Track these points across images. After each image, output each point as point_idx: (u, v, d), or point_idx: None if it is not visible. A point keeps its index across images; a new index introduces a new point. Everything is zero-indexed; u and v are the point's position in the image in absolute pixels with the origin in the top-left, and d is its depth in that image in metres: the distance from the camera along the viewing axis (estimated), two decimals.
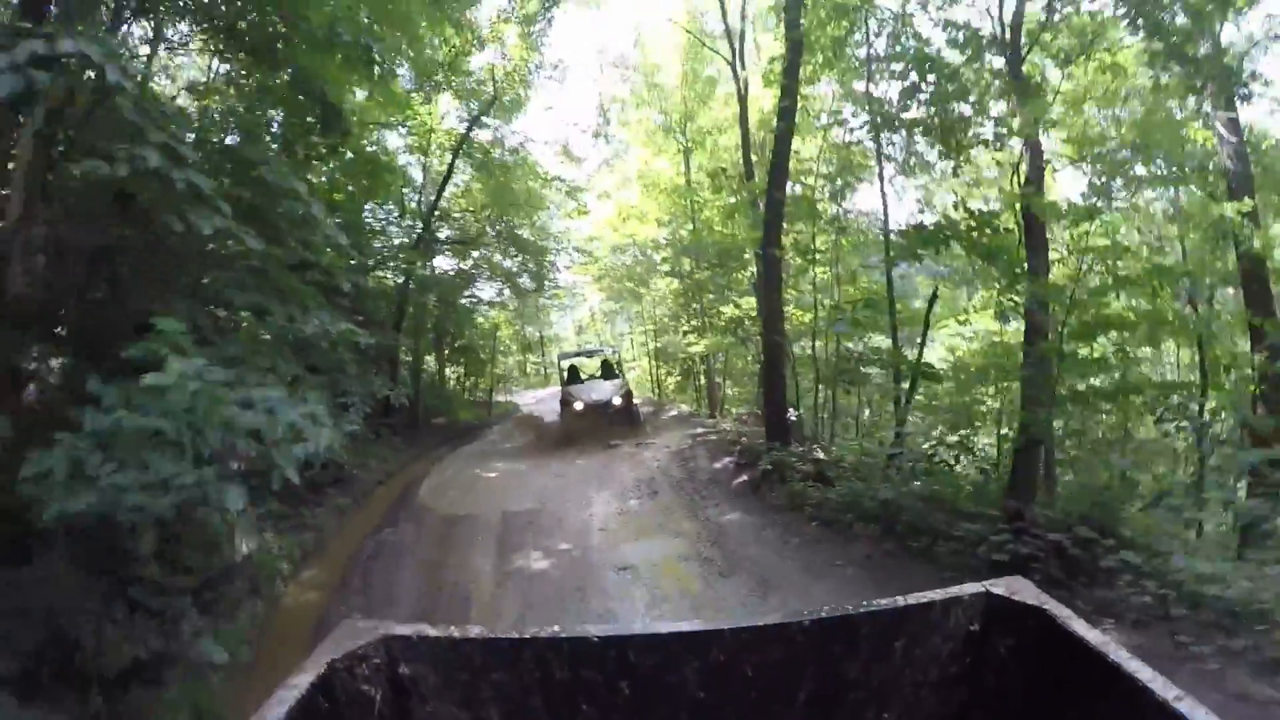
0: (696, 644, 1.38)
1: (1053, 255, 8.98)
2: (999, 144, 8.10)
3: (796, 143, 11.25)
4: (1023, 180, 7.69)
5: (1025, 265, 6.84)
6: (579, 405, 15.66)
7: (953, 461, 7.67)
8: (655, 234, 21.61)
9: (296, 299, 5.61)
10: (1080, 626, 1.28)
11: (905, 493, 6.56)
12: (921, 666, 1.43)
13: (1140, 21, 7.70)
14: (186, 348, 4.08)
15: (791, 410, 10.70)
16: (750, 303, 14.13)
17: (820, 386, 11.65)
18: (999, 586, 1.43)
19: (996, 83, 7.88)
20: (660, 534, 7.49)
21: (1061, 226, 8.19)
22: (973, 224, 6.57)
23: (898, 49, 8.90)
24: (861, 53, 10.34)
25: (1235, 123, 10.09)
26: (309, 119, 6.98)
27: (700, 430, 13.89)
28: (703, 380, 20.61)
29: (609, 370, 18.44)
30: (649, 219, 21.45)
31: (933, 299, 8.66)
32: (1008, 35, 8.09)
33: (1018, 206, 7.44)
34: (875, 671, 1.41)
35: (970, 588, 1.45)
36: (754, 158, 13.74)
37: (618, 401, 15.76)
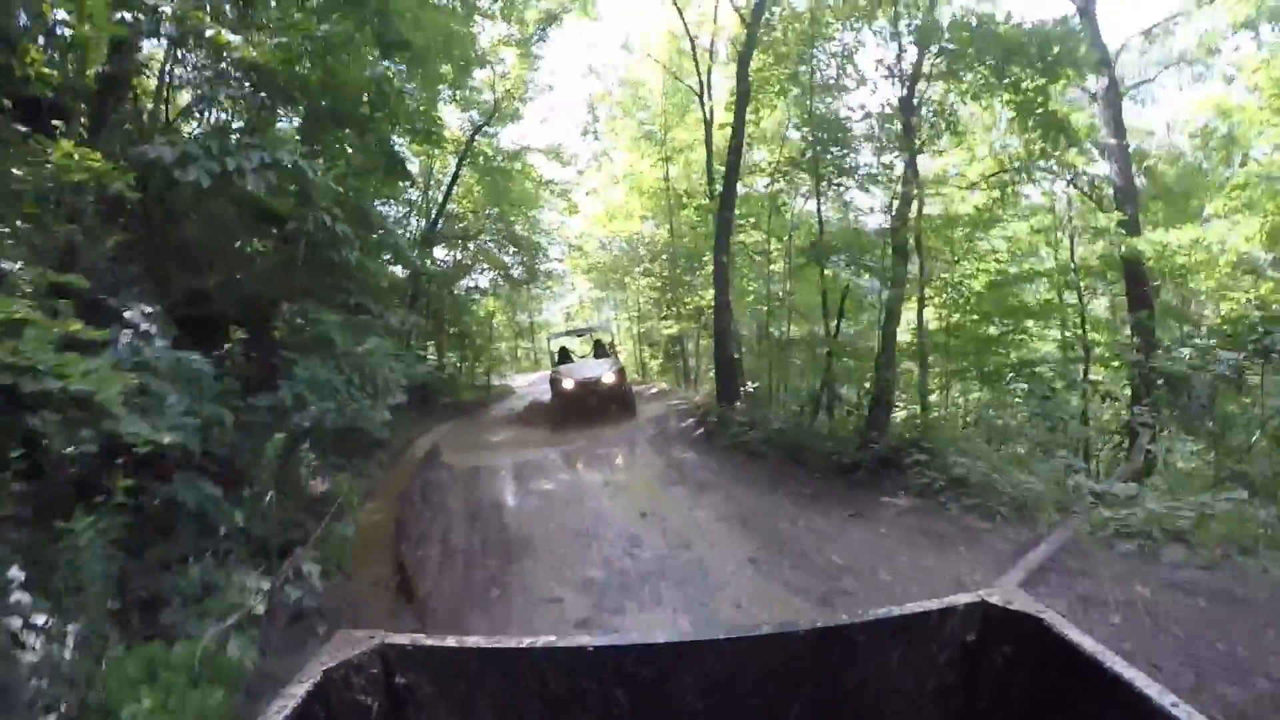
0: (693, 654, 1.43)
1: (947, 259, 11.98)
2: (885, 179, 11.04)
3: (757, 151, 14.11)
4: (897, 204, 10.69)
5: (893, 275, 9.89)
6: (569, 384, 15.25)
7: (844, 409, 10.76)
8: (639, 228, 24.06)
9: (383, 299, 8.51)
10: (1076, 634, 1.34)
11: (797, 428, 9.63)
12: (918, 676, 1.49)
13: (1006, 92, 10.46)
14: (340, 329, 6.97)
15: (750, 384, 13.64)
16: (711, 294, 16.61)
17: (770, 364, 14.55)
18: (995, 596, 1.50)
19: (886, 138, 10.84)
20: (634, 467, 10.29)
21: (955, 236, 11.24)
22: (851, 241, 9.58)
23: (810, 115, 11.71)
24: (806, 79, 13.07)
25: (1125, 148, 12.96)
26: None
27: (674, 401, 16.29)
28: (681, 361, 22.88)
29: (600, 349, 18.21)
30: (634, 216, 23.98)
31: (844, 293, 11.51)
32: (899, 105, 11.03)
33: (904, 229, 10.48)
34: (872, 681, 1.47)
35: (965, 597, 1.51)
36: (718, 170, 16.36)
37: (609, 379, 15.26)
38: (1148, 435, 8.70)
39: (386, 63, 9.28)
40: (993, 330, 12.48)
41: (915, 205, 10.80)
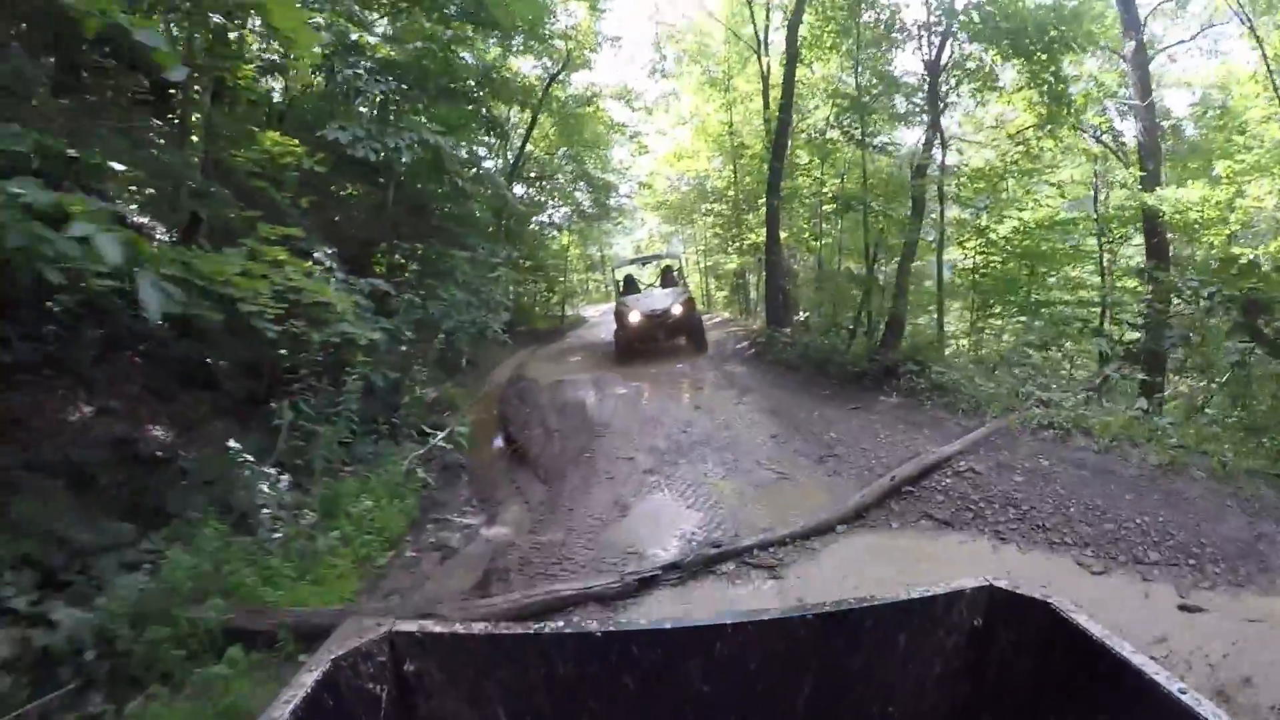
0: (700, 638, 1.48)
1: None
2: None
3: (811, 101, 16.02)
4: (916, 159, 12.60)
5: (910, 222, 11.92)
6: (635, 316, 14.60)
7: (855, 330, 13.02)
8: (705, 167, 25.75)
9: (491, 239, 11.00)
10: (1084, 620, 1.37)
11: (825, 346, 11.91)
12: (925, 660, 1.54)
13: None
14: (464, 264, 9.50)
15: (802, 312, 15.84)
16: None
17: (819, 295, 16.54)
18: (1002, 581, 1.55)
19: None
20: (692, 377, 12.65)
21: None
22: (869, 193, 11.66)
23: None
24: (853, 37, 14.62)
25: (1150, 107, 14.30)
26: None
27: (733, 328, 18.57)
28: (743, 293, 24.81)
29: (669, 277, 17.35)
30: (699, 156, 25.73)
31: (878, 235, 13.48)
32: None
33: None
34: (878, 666, 1.52)
35: (973, 582, 1.55)
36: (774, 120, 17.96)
37: (677, 310, 14.54)
38: (1112, 362, 10.64)
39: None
40: (1023, 271, 14.24)
41: (939, 157, 12.66)
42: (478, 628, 1.49)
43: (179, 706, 3.75)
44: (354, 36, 9.26)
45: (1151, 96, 14.11)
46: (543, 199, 25.01)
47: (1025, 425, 8.04)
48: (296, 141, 8.08)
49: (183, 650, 4.08)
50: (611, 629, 1.50)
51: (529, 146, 22.51)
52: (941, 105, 12.32)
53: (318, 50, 7.95)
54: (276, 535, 5.56)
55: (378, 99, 9.59)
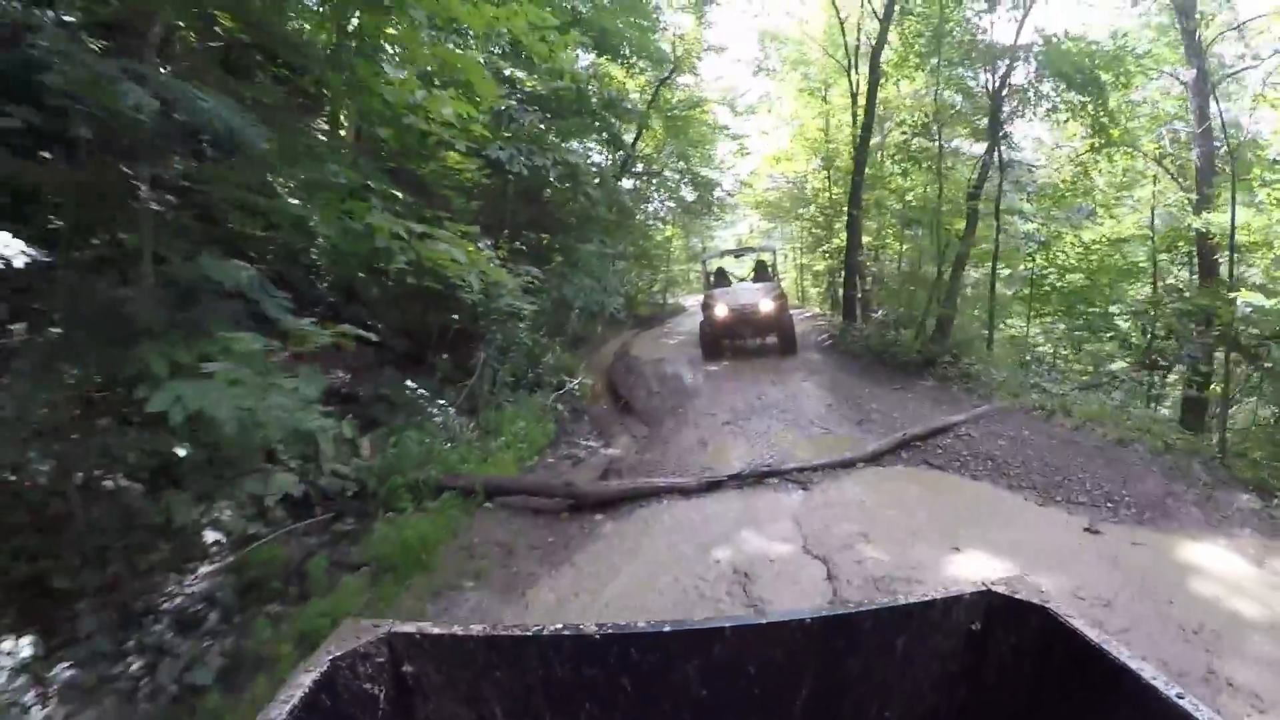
0: (698, 642, 1.51)
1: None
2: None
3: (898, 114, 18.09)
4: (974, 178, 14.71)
5: (963, 236, 14.10)
6: (721, 310, 14.29)
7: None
8: (804, 168, 27.78)
9: (610, 234, 13.82)
10: (1082, 624, 1.39)
11: (884, 339, 14.27)
12: (923, 665, 1.57)
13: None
14: (589, 255, 12.34)
15: (880, 310, 18.12)
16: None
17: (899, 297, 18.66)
18: (1000, 585, 1.58)
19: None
20: (771, 360, 14.97)
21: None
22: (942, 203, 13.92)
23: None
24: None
25: (1208, 133, 15.78)
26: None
27: (820, 321, 20.87)
28: (832, 290, 26.38)
29: (762, 272, 16.89)
30: (798, 159, 27.84)
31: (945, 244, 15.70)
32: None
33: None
34: (876, 670, 1.55)
35: (971, 587, 1.59)
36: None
37: (767, 307, 14.21)
38: (1113, 362, 12.67)
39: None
40: (1081, 282, 16.12)
41: (999, 177, 14.73)
42: (476, 630, 1.52)
43: (408, 521, 6.46)
44: (506, 72, 12.14)
45: (1209, 121, 15.42)
46: (649, 193, 27.33)
47: (1021, 406, 10.26)
48: (471, 160, 10.95)
49: (409, 496, 6.87)
50: (610, 631, 1.51)
51: (639, 144, 24.73)
52: (1001, 132, 14.32)
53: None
54: (456, 443, 8.41)
55: (527, 123, 12.46)
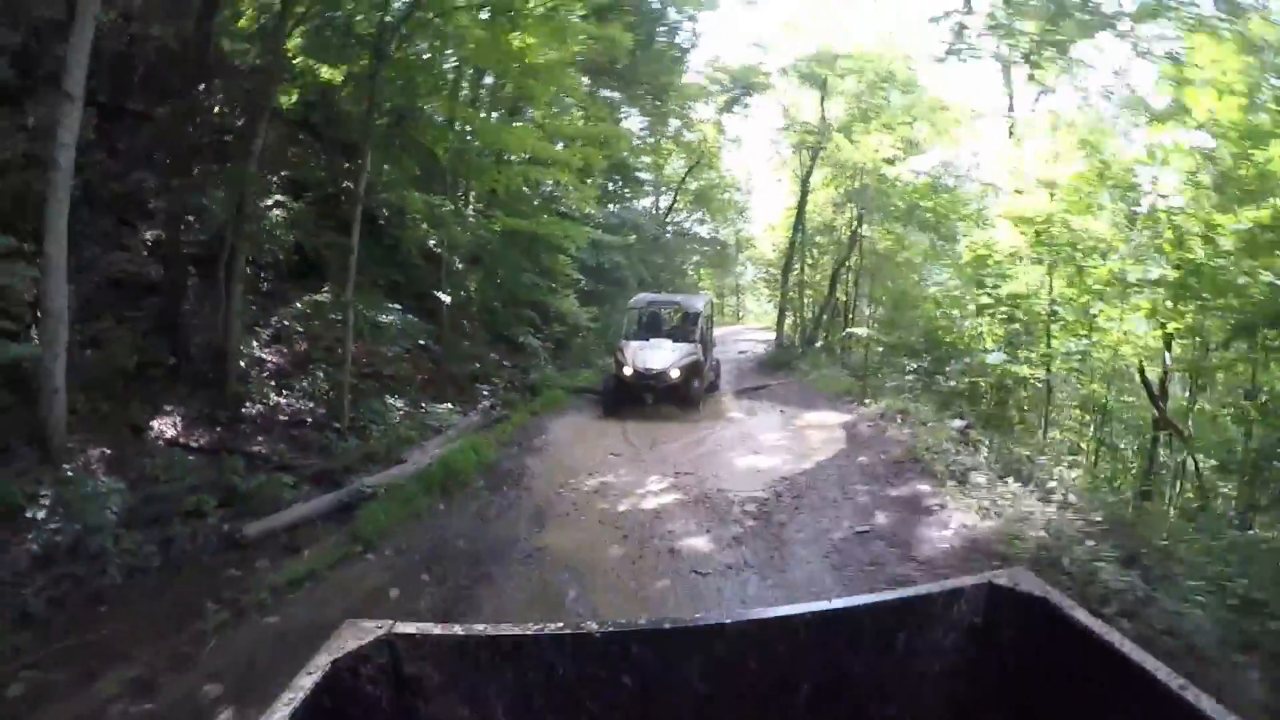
0: (699, 638, 1.55)
1: None
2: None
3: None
4: None
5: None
6: (628, 370, 14.25)
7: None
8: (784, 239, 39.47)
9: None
10: (1084, 616, 1.42)
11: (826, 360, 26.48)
12: (925, 659, 1.61)
13: None
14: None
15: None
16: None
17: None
18: (1002, 578, 1.61)
19: None
20: (728, 373, 27.10)
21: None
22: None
23: None
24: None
25: None
26: None
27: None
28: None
29: (689, 327, 16.29)
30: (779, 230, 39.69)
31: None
32: None
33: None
34: (878, 664, 1.59)
35: (972, 580, 1.64)
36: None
37: (674, 374, 14.13)
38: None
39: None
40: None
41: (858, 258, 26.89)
42: (477, 629, 1.55)
43: (543, 400, 18.20)
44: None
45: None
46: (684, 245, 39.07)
47: (800, 380, 22.17)
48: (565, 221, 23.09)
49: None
50: (610, 629, 1.53)
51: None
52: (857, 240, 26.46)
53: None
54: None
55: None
